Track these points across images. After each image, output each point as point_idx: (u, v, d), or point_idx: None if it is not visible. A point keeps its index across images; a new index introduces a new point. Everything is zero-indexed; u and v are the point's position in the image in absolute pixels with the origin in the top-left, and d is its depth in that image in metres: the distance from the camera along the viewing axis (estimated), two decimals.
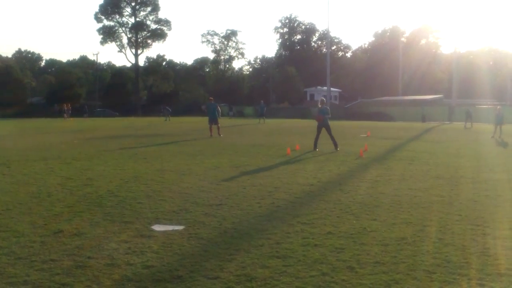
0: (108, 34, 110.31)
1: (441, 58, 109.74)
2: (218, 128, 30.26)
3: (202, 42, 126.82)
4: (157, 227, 8.24)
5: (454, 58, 75.72)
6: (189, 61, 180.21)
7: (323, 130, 21.65)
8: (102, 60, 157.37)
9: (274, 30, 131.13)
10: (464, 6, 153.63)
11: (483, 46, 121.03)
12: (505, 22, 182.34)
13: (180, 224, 8.47)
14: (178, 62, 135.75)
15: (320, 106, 21.86)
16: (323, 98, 23.90)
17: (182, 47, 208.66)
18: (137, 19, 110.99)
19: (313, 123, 46.35)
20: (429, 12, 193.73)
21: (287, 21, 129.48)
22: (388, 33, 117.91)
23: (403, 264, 6.44)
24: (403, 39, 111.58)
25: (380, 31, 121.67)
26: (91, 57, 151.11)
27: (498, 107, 36.32)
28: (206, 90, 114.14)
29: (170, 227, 8.24)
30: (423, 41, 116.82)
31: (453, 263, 6.45)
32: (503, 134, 31.57)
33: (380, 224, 8.53)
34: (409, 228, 8.26)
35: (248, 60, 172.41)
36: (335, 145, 21.27)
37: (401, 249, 7.06)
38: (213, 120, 30.02)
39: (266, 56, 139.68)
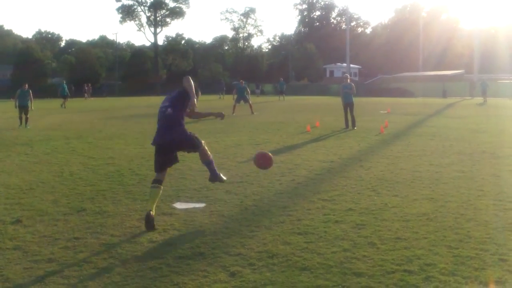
0: (127, 13, 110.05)
1: (462, 33, 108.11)
2: (250, 106, 31.47)
3: (221, 20, 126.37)
4: (179, 205, 8.30)
5: (476, 32, 74.75)
6: (208, 40, 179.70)
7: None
8: (121, 39, 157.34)
9: (293, 7, 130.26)
10: None
11: (506, 21, 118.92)
12: None
13: (201, 201, 8.53)
14: (197, 41, 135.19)
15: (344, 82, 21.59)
16: (346, 74, 23.61)
17: (200, 26, 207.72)
18: None
19: (332, 100, 46.18)
20: None
21: None
22: (408, 8, 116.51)
23: (424, 239, 6.43)
24: (423, 14, 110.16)
25: (400, 7, 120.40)
26: (111, 36, 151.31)
27: None
28: (225, 68, 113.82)
29: (191, 205, 8.30)
30: (443, 16, 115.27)
31: (475, 239, 6.42)
32: None
33: (401, 200, 8.52)
34: (431, 204, 8.23)
35: (267, 37, 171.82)
36: (353, 123, 20.83)
37: (423, 225, 7.05)
38: (241, 99, 31.89)
39: (285, 33, 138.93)
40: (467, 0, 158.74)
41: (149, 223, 6.92)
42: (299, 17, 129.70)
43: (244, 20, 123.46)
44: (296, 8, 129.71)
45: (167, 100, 7.59)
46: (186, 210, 8.00)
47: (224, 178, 7.88)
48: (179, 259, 5.85)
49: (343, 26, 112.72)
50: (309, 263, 5.67)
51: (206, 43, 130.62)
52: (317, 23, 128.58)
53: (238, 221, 7.38)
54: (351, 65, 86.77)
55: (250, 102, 31.87)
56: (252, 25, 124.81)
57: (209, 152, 7.68)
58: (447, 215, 7.54)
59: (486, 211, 7.73)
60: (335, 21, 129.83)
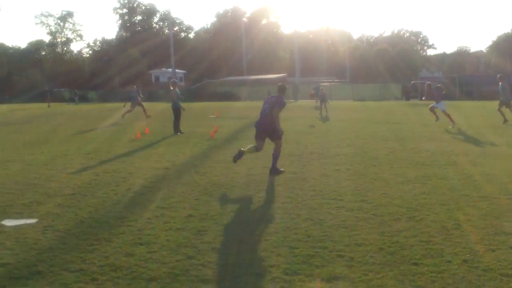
0: None
1: (283, 37, 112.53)
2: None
3: (36, 24, 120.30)
4: (8, 222, 7.75)
5: (295, 37, 78.25)
6: (23, 44, 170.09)
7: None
8: None
9: (113, 11, 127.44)
10: None
11: (321, 26, 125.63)
12: (338, 3, 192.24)
13: (32, 217, 8.03)
14: (10, 46, 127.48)
15: (172, 88, 21.33)
16: (174, 80, 23.48)
17: (14, 30, 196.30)
18: None
19: (158, 106, 45.96)
20: None
21: (126, 1, 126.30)
22: (229, 13, 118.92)
23: (266, 241, 6.56)
24: (244, 19, 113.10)
25: (221, 12, 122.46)
26: None
27: (321, 87, 39.09)
28: (43, 74, 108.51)
29: (21, 221, 7.78)
30: (264, 21, 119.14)
31: (313, 237, 6.67)
32: (328, 111, 32.58)
33: (238, 204, 8.64)
34: (267, 206, 8.45)
35: (87, 42, 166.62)
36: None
37: (263, 227, 7.20)
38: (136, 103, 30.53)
39: (106, 38, 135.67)
40: (285, 6, 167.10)
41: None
42: (120, 21, 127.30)
43: (62, 24, 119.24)
44: (116, 13, 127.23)
45: (267, 102, 11.73)
46: (16, 227, 7.48)
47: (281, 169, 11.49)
48: (15, 280, 5.46)
49: (166, 31, 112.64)
50: (155, 274, 5.55)
51: (21, 48, 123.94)
52: (139, 28, 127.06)
53: (75, 235, 7.05)
54: (177, 70, 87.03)
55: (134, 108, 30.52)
56: (70, 29, 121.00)
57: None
58: (285, 216, 7.76)
59: (320, 210, 8.07)
60: (157, 26, 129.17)
